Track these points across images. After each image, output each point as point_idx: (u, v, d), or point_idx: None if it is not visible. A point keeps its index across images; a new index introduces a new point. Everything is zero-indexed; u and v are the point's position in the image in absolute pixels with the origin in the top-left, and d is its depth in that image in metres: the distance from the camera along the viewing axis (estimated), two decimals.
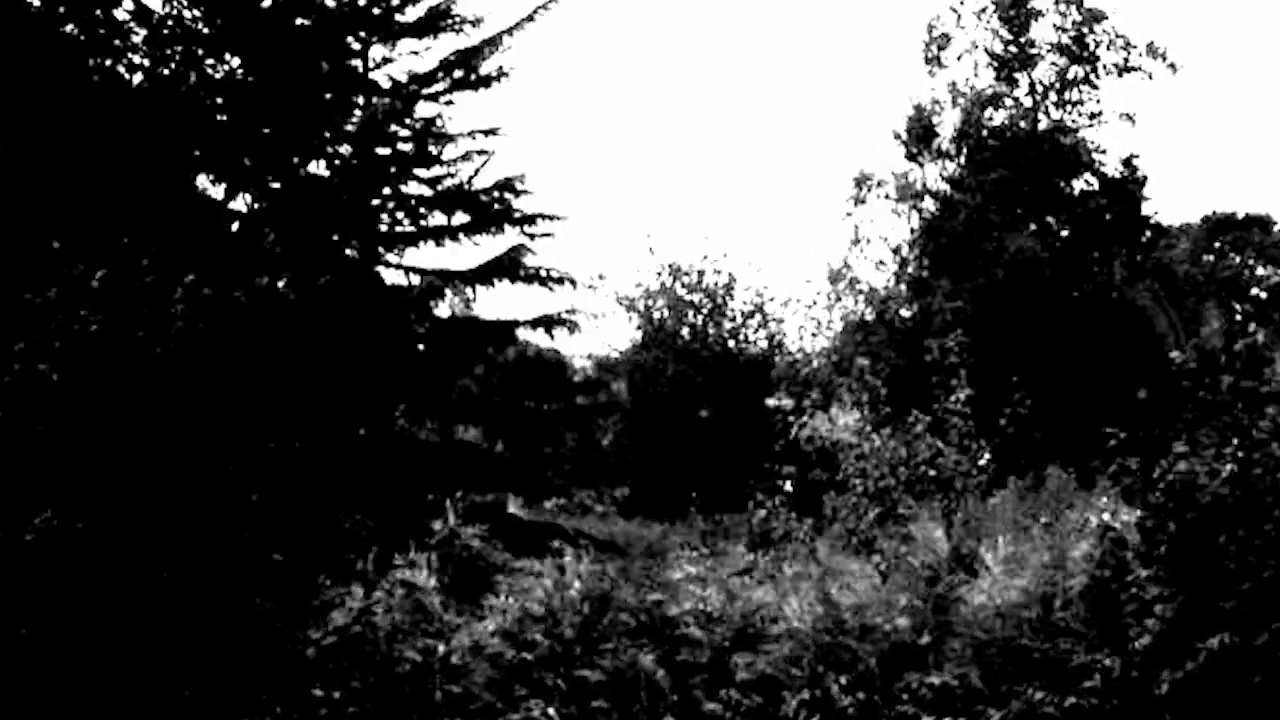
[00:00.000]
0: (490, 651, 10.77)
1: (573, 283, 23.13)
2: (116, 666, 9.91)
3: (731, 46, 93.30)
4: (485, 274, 22.85)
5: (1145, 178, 43.68)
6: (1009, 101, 44.33)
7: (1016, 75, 44.62)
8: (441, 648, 10.74)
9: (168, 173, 19.39)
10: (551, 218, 23.15)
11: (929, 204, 43.88)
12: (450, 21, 22.79)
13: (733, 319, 45.03)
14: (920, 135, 44.13)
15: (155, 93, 20.17)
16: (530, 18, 22.93)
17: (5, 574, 9.77)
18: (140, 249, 11.14)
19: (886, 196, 44.66)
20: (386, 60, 22.90)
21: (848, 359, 42.52)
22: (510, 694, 10.55)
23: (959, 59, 44.95)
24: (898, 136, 44.36)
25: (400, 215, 22.87)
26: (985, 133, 43.69)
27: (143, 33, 20.67)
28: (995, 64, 44.59)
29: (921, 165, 44.42)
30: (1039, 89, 44.70)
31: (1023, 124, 44.11)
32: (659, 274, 45.42)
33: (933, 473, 16.11)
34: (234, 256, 17.64)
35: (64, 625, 9.88)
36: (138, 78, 20.34)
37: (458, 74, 22.96)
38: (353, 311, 21.09)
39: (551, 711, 10.33)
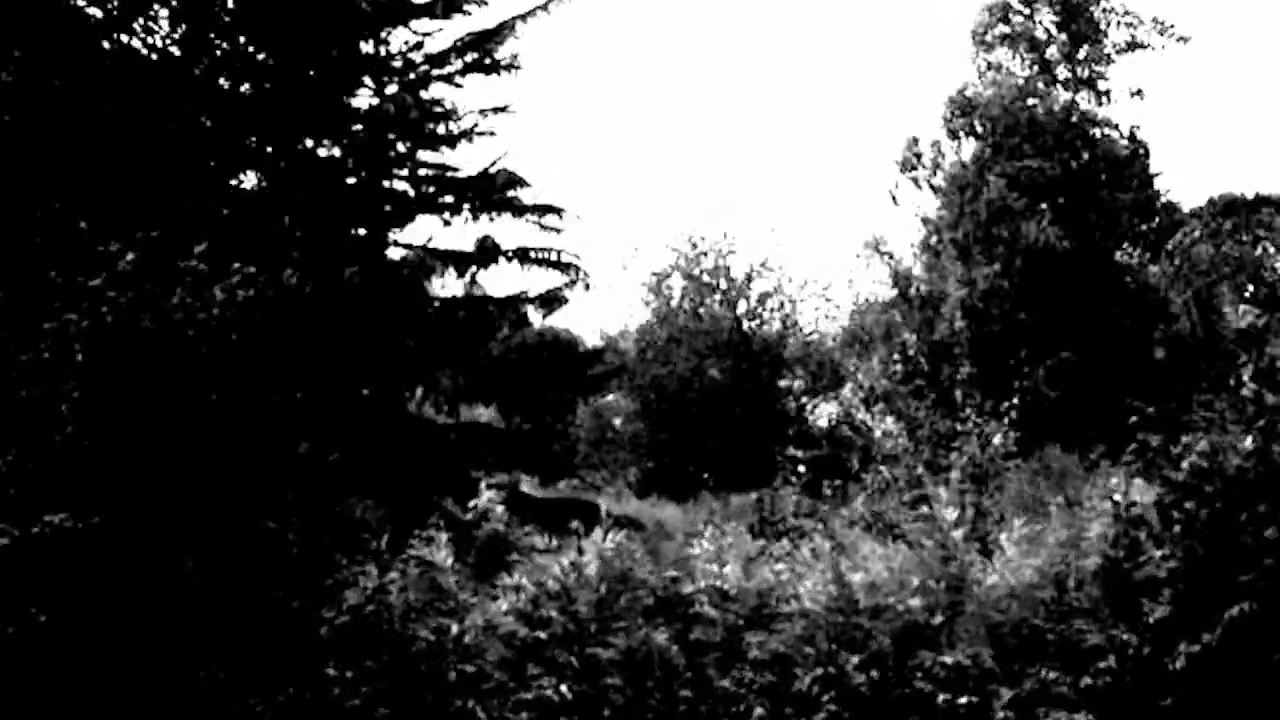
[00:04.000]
0: (504, 630, 10.79)
1: (576, 269, 23.08)
2: (133, 646, 9.95)
3: (766, 24, 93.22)
4: (487, 255, 22.84)
5: (1148, 151, 43.72)
6: (1020, 83, 44.22)
7: (1030, 56, 44.51)
8: (455, 627, 10.75)
9: (181, 152, 19.39)
10: (558, 211, 23.13)
11: (948, 185, 43.76)
12: (462, 1, 22.72)
13: (749, 300, 44.96)
14: (948, 118, 44.09)
15: (169, 71, 20.15)
16: (544, 7, 22.85)
17: (27, 558, 9.81)
18: (170, 229, 11.16)
19: (918, 171, 44.56)
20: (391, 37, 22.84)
21: (862, 340, 42.56)
22: (523, 672, 10.57)
23: (977, 40, 44.88)
24: (946, 122, 44.26)
25: (408, 196, 22.87)
26: (1001, 114, 43.59)
27: (164, 11, 20.67)
28: (1009, 46, 44.54)
29: (944, 148, 44.39)
30: (1050, 69, 44.59)
31: (1035, 104, 43.99)
32: (676, 252, 45.35)
33: (950, 452, 16.14)
34: (248, 240, 17.60)
35: (85, 604, 9.92)
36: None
37: (471, 56, 22.90)
38: (361, 291, 21.09)
39: (564, 689, 10.34)
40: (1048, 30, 44.58)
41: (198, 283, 10.62)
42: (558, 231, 23.00)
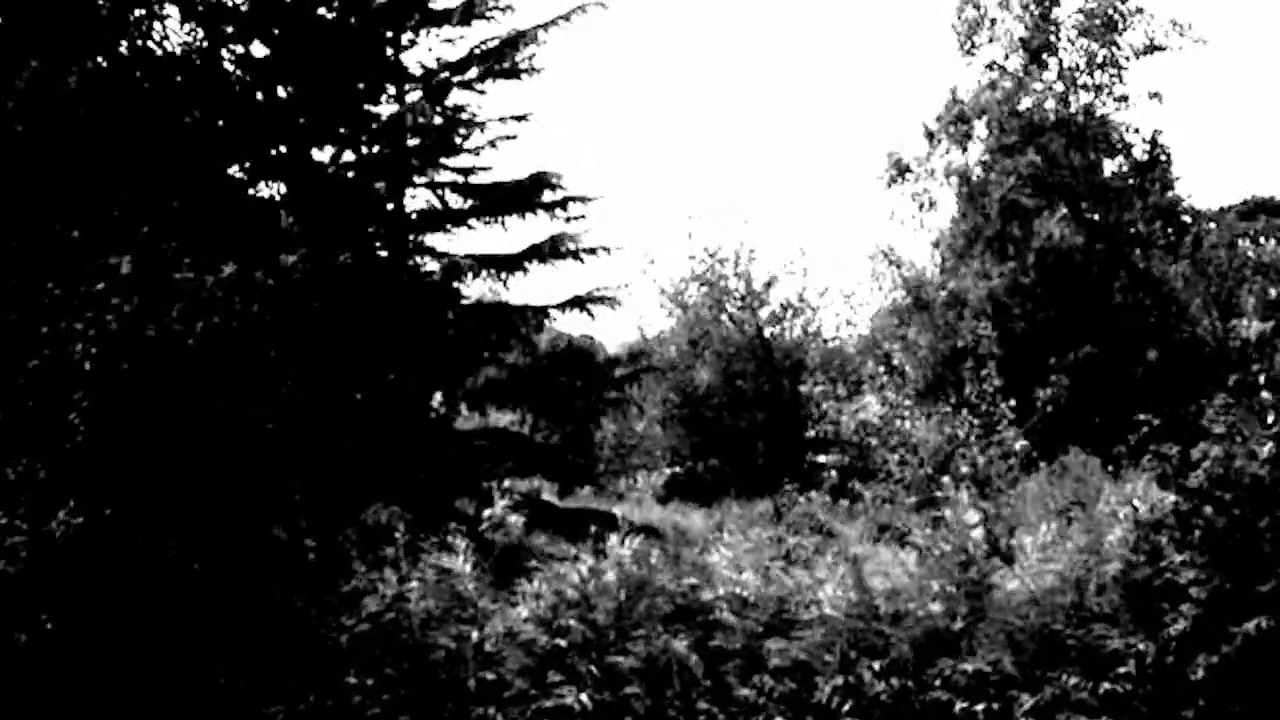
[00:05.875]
0: (524, 638, 10.77)
1: (606, 251, 22.98)
2: (149, 654, 9.97)
3: (773, 32, 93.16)
4: (520, 259, 22.85)
5: (1170, 156, 43.58)
6: (1037, 85, 44.11)
7: (1046, 58, 44.39)
8: (475, 634, 10.74)
9: (194, 158, 19.37)
10: (584, 199, 23.08)
11: (962, 188, 43.69)
12: (484, 9, 22.75)
13: (770, 307, 44.86)
14: (952, 120, 44.02)
15: (183, 75, 20.12)
16: (566, 17, 22.86)
17: (40, 566, 9.83)
18: (169, 236, 11.16)
19: (924, 177, 44.52)
20: (414, 45, 22.89)
21: (880, 346, 42.48)
22: (544, 681, 10.56)
23: (990, 41, 44.77)
24: (937, 119, 44.24)
25: (431, 202, 22.91)
26: (1015, 117, 43.48)
27: (174, 10, 20.65)
28: (1024, 48, 44.38)
29: (953, 149, 44.32)
30: (1067, 72, 44.44)
31: (1051, 107, 43.87)
32: (697, 260, 45.28)
33: (965, 460, 16.11)
34: (262, 245, 17.61)
35: (99, 617, 9.94)
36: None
37: (491, 63, 22.94)
38: (384, 298, 21.12)
39: (584, 698, 10.33)
40: (1053, 29, 44.46)
41: (196, 289, 10.61)
42: (582, 218, 23.00)
